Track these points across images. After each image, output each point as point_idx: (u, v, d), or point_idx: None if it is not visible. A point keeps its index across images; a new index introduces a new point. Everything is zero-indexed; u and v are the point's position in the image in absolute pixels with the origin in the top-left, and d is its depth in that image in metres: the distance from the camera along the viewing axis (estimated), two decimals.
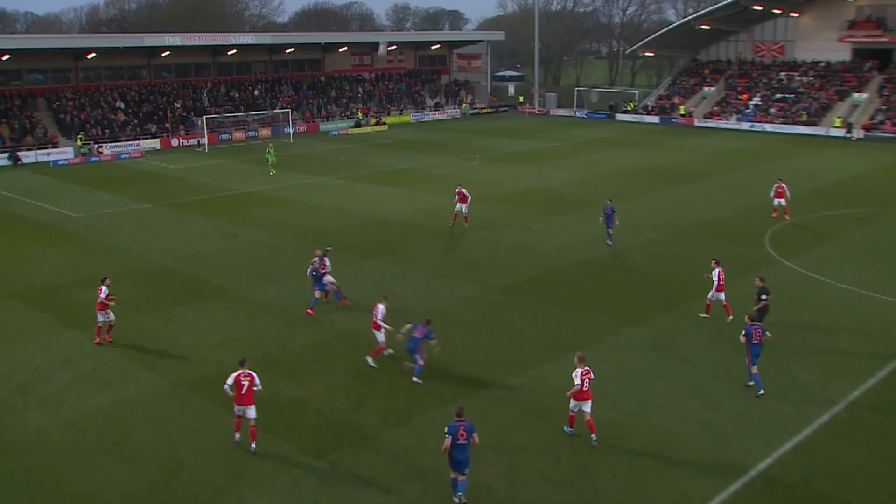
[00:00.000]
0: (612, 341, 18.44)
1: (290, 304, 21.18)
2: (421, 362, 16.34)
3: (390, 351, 17.52)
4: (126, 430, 14.65)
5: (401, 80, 78.59)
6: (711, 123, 65.38)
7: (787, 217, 29.95)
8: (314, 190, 37.75)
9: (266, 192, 37.64)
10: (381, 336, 16.98)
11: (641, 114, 71.52)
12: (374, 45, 76.17)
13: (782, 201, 30.02)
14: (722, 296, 19.48)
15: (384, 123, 67.72)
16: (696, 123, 66.17)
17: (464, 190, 29.61)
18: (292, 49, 69.21)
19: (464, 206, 29.27)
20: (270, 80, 69.26)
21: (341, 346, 18.30)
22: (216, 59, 66.35)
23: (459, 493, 12.28)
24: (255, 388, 13.95)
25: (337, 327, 19.47)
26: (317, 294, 20.39)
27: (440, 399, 15.55)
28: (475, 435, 12.27)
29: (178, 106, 60.31)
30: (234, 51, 65.11)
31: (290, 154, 51.33)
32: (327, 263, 20.84)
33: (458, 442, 12.12)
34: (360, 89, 74.12)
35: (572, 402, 14.06)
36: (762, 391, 15.72)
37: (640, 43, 77.34)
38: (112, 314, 18.90)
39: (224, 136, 59.16)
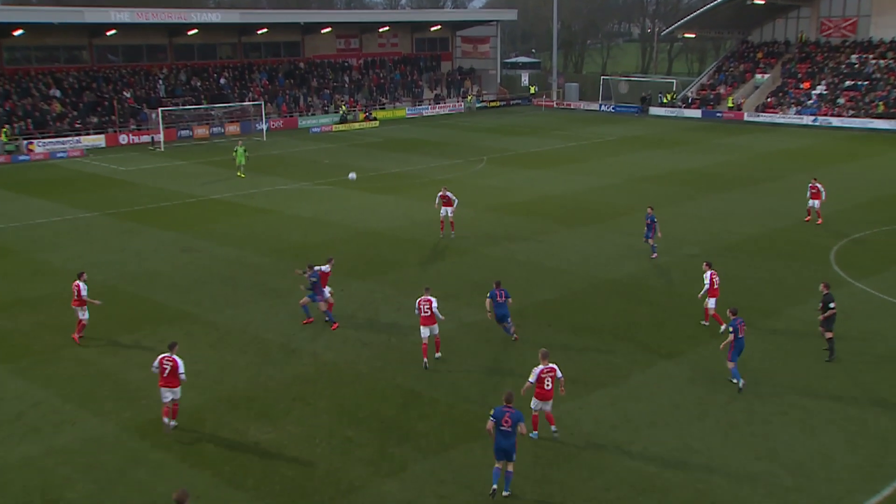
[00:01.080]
0: (644, 376, 18.44)
1: (262, 330, 21.23)
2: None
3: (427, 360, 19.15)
4: (60, 485, 14.41)
5: (394, 68, 79.19)
6: (765, 118, 65.72)
7: (818, 221, 31.25)
8: (292, 197, 37.95)
9: (234, 199, 37.85)
10: (436, 328, 19.10)
11: (680, 107, 71.95)
12: (364, 26, 76.95)
13: (816, 203, 31.29)
14: (712, 302, 20.92)
15: (375, 119, 68.27)
16: (747, 118, 66.55)
17: (448, 193, 30.01)
18: (266, 30, 69.83)
19: (449, 210, 29.74)
20: (239, 66, 69.86)
21: (324, 382, 18.31)
22: (174, 40, 66.87)
23: (494, 486, 13.68)
24: (179, 375, 16.25)
25: (319, 359, 19.49)
26: (322, 306, 21.57)
27: (439, 444, 15.53)
28: (522, 425, 13.74)
29: (128, 96, 60.72)
30: (196, 31, 65.60)
31: (264, 154, 51.61)
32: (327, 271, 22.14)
33: (502, 428, 13.65)
34: (347, 78, 74.72)
35: (534, 402, 15.55)
36: (743, 381, 17.65)
37: (680, 22, 77.82)
38: (87, 313, 20.76)
39: (184, 133, 59.61)
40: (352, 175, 28.47)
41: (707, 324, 21.29)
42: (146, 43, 65.52)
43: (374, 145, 55.61)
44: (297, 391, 17.88)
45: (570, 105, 80.00)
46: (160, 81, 63.76)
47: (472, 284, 24.73)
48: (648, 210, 27.43)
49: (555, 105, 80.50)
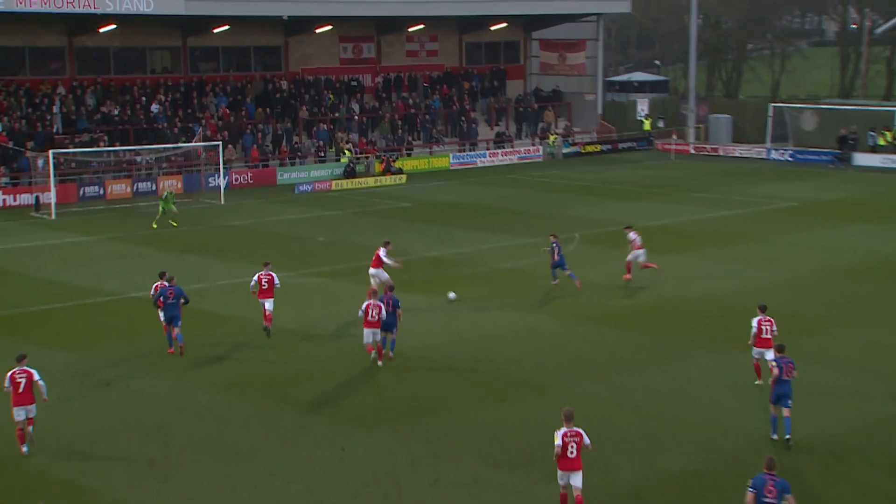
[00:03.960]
0: None
1: None
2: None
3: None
4: None
5: (433, 91, 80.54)
6: None
7: (653, 265, 39.29)
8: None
9: None
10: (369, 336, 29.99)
11: None
12: (384, 24, 77.92)
13: (640, 254, 39.07)
14: (770, 355, 25.96)
15: (400, 171, 69.36)
16: None
17: (382, 251, 36.19)
18: (227, 27, 71.32)
19: (381, 274, 35.73)
20: (184, 84, 71.41)
21: None
22: (77, 40, 68.36)
23: None
24: (38, 384, 23.37)
25: None
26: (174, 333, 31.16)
27: None
28: (790, 497, 17.71)
29: None
30: (114, 26, 66.67)
31: (221, 226, 52.50)
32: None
33: (766, 500, 17.69)
34: (356, 106, 76.09)
35: (559, 474, 19.92)
36: (789, 438, 23.80)
37: None
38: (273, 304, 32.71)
39: (90, 190, 60.82)
40: (452, 295, 36.96)
41: (760, 382, 27.31)
42: (31, 45, 67.08)
43: (398, 213, 56.20)
44: None
45: (717, 150, 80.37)
46: (53, 107, 65.07)
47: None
48: (552, 239, 37.97)
49: (692, 149, 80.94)
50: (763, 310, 27.74)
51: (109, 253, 46.60)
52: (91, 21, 65.44)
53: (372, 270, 36.08)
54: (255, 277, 33.08)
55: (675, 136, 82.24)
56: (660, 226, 51.55)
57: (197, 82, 72.08)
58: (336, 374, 29.69)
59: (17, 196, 58.99)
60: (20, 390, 23.21)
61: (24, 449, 23.71)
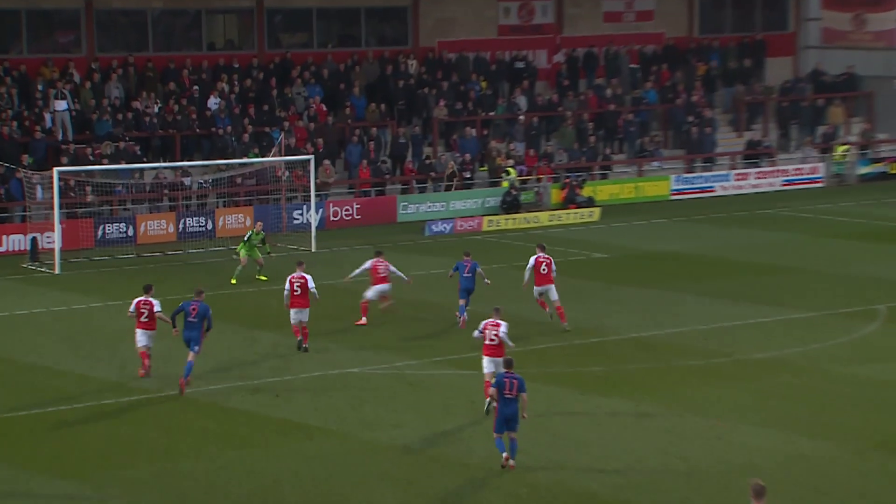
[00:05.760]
0: None
1: None
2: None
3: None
4: None
5: (644, 76, 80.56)
6: None
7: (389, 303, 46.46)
8: (374, 395, 38.88)
9: (233, 396, 38.56)
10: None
11: None
12: None
13: (384, 289, 46.22)
14: None
15: (591, 201, 69.80)
16: None
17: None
18: None
19: (550, 291, 45.03)
20: (257, 68, 72.71)
21: None
22: (96, 1, 69.86)
23: None
24: None
25: None
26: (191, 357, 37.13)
27: None
28: None
29: None
30: None
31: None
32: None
33: None
34: (523, 99, 76.58)
35: None
36: None
37: None
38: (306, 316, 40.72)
39: (112, 231, 62.01)
40: None
41: None
42: (30, 7, 68.82)
43: (587, 269, 56.53)
44: None
45: None
46: (61, 102, 65.64)
47: None
48: (464, 258, 45.95)
49: None
50: None
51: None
52: None
53: (539, 288, 45.77)
54: (287, 283, 41.57)
55: None
56: None
57: (278, 64, 73.27)
58: None
59: (5, 238, 60.21)
60: None
61: None
